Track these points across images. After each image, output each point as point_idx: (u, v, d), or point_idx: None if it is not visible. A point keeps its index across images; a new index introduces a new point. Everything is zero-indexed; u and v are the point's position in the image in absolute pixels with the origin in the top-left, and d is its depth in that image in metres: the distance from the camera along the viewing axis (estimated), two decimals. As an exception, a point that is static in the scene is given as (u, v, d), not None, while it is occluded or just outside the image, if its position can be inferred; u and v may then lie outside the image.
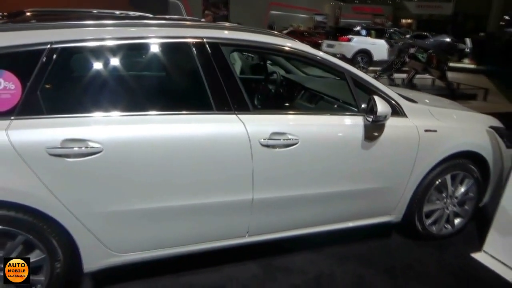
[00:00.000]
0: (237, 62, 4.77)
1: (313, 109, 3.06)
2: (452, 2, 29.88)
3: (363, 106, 2.53)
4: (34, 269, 2.03)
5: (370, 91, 2.57)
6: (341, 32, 15.48)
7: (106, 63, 2.14)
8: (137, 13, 2.90)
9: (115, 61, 2.15)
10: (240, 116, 2.25)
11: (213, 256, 2.48)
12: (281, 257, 2.72)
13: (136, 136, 2.05)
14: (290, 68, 3.91)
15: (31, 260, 2.00)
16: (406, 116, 2.68)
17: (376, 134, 2.52)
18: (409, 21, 37.80)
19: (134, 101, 2.24)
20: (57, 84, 2.02)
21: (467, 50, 9.38)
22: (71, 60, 2.12)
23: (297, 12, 29.92)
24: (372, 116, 2.40)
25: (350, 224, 2.74)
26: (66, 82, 2.15)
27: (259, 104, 3.55)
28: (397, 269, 2.69)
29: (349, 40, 14.53)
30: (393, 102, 2.64)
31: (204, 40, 2.25)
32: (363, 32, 15.02)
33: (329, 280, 2.54)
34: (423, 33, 12.62)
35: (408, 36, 12.25)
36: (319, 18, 30.67)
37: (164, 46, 2.25)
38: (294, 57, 2.61)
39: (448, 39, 9.09)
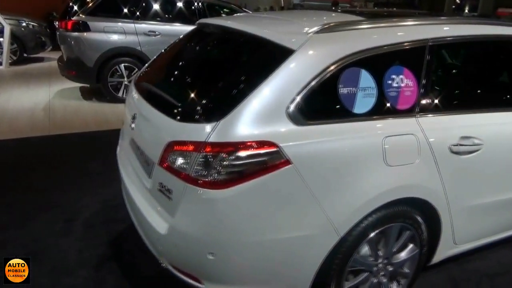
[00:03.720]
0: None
1: None
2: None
3: None
4: (402, 263, 2.05)
5: None
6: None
7: (476, 62, 2.16)
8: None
9: (481, 60, 2.18)
10: None
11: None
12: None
13: (503, 133, 2.11)
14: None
15: (407, 257, 2.02)
16: None
17: None
18: (355, 3, 38.23)
19: (496, 97, 2.26)
20: (440, 80, 2.02)
21: None
22: (448, 56, 2.11)
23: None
24: None
25: None
26: (446, 78, 2.14)
27: None
28: None
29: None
30: None
31: None
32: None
33: None
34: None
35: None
36: (296, 1, 30.11)
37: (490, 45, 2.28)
38: None
39: None
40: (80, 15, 5.76)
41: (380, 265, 1.96)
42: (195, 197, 1.56)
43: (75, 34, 5.69)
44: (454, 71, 2.16)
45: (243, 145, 1.51)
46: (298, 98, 1.62)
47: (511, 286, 2.46)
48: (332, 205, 1.65)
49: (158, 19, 6.12)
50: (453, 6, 24.75)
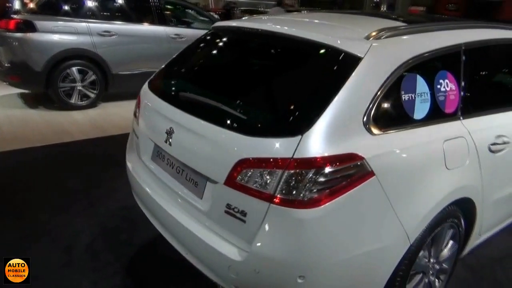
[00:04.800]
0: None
1: None
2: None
3: None
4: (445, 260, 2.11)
5: None
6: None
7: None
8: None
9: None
10: None
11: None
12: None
13: None
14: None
15: (449, 254, 2.08)
16: None
17: None
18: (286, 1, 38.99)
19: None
20: (475, 82, 2.09)
21: None
22: (481, 59, 2.18)
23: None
24: None
25: None
26: (480, 80, 2.20)
27: None
28: None
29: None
30: None
31: None
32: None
33: None
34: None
35: None
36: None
37: None
38: None
39: None
40: (24, 13, 5.15)
41: (431, 265, 2.01)
42: (281, 219, 1.45)
43: (19, 35, 5.06)
44: (486, 73, 2.27)
45: (331, 160, 1.43)
46: (371, 107, 1.58)
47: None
48: (406, 214, 1.63)
49: (114, 17, 5.68)
50: (372, 5, 26.32)
